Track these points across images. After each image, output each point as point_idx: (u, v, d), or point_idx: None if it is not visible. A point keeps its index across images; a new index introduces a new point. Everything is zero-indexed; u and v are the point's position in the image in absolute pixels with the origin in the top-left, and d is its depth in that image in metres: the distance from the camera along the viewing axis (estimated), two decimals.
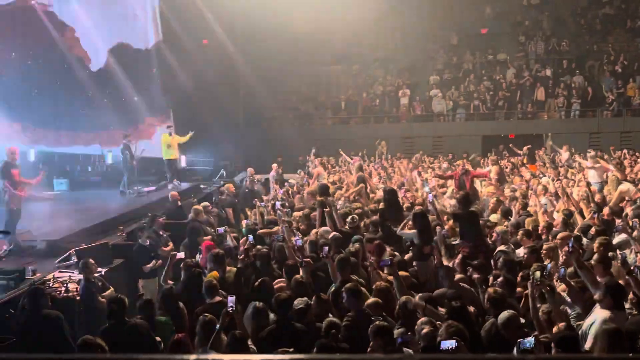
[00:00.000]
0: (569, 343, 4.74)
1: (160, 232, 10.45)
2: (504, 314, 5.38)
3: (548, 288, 5.73)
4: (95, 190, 17.63)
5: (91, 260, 8.13)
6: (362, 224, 9.51)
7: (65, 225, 11.78)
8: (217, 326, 5.46)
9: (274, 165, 18.72)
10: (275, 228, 9.44)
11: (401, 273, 6.72)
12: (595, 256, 6.68)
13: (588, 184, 12.01)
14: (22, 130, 18.61)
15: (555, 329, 5.33)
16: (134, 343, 5.80)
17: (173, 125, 18.52)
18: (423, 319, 5.40)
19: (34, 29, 18.75)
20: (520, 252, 8.00)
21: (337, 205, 10.21)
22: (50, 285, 8.31)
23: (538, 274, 5.67)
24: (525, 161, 17.91)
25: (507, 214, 10.24)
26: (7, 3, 18.42)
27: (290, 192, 14.09)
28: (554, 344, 4.73)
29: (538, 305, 5.62)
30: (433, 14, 30.72)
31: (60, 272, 9.03)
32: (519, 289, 6.62)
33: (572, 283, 6.11)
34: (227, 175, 19.82)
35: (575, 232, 8.60)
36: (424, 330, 5.13)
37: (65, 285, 8.27)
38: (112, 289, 8.21)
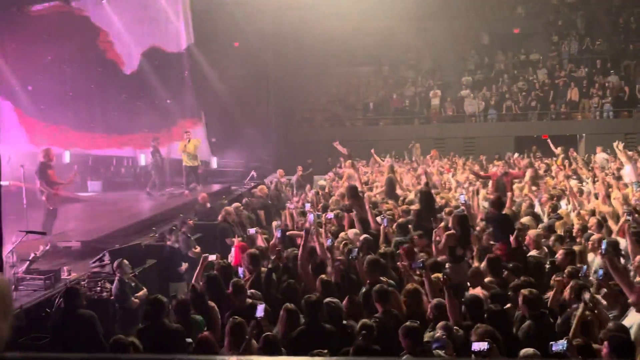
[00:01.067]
0: (625, 347, 4.63)
1: (189, 235, 10.53)
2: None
3: (596, 311, 5.58)
4: (128, 192, 17.88)
5: (125, 261, 8.23)
6: (393, 226, 9.46)
7: (100, 226, 11.97)
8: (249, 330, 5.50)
9: (299, 168, 18.82)
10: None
11: (434, 275, 6.68)
12: (638, 259, 6.57)
13: (625, 185, 11.78)
14: (58, 132, 18.97)
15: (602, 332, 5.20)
16: (169, 346, 5.84)
17: (190, 132, 17.67)
18: (440, 323, 5.36)
19: (69, 33, 19.10)
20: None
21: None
22: (85, 285, 8.45)
23: (588, 295, 5.48)
24: (559, 162, 17.62)
25: (536, 217, 10.11)
26: (43, 8, 18.81)
27: (320, 193, 14.09)
28: (609, 346, 4.61)
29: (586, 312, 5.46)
30: (464, 15, 30.51)
31: (94, 272, 9.17)
32: (550, 293, 6.53)
33: (611, 285, 6.01)
34: (257, 176, 19.92)
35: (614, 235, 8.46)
36: (437, 334, 5.09)
37: (99, 285, 8.40)
38: (145, 289, 8.31)
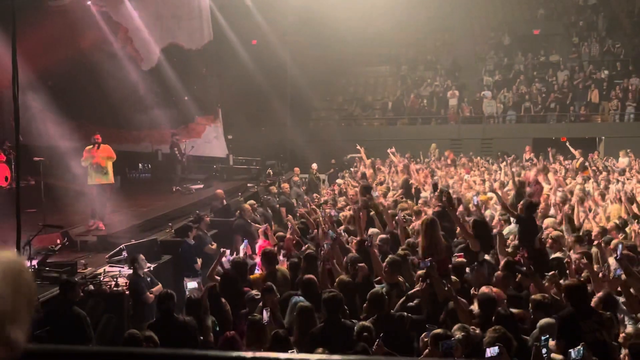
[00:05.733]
0: None
1: (205, 232, 10.56)
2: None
3: None
4: (145, 187, 17.98)
5: (141, 256, 8.28)
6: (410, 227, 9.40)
7: (116, 221, 12.03)
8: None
9: (314, 166, 18.81)
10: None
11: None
12: None
13: None
14: (77, 128, 19.11)
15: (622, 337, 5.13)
16: (180, 340, 5.86)
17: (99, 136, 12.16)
18: (457, 325, 5.29)
19: (89, 29, 19.26)
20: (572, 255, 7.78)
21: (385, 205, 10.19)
22: (101, 279, 8.51)
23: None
24: (577, 165, 17.44)
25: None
26: (63, 3, 18.96)
27: (337, 192, 14.06)
28: (629, 352, 4.55)
29: None
30: (483, 15, 30.34)
31: (110, 266, 9.24)
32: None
33: (632, 291, 5.92)
34: (273, 174, 19.95)
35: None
36: (457, 336, 5.03)
37: (115, 279, 8.45)
38: (160, 284, 8.34)
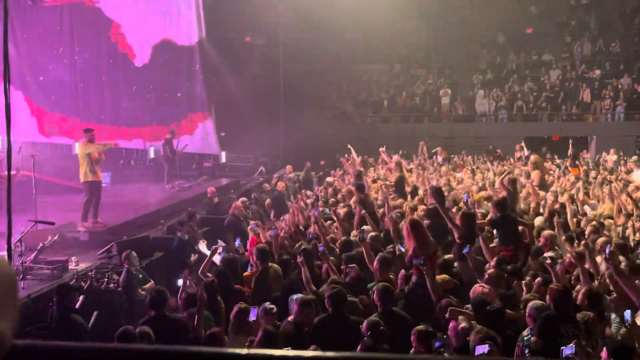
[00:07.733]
0: (623, 351, 4.59)
1: (195, 228, 10.54)
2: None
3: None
4: (137, 184, 17.91)
5: (134, 253, 8.26)
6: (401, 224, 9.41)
7: (108, 217, 11.99)
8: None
9: (308, 163, 18.78)
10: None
11: (443, 276, 6.63)
12: None
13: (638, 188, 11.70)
14: (67, 123, 19.06)
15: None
16: (173, 337, 5.85)
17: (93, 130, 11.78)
18: (461, 317, 5.31)
19: (81, 25, 19.20)
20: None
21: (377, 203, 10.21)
22: (92, 275, 8.48)
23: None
24: (568, 164, 17.50)
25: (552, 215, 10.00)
26: None
27: (329, 191, 14.06)
28: (608, 352, 4.56)
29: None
30: (476, 14, 30.37)
31: (102, 263, 9.20)
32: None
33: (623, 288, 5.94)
34: (266, 171, 19.93)
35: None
36: (461, 325, 5.04)
37: (107, 276, 8.42)
38: (152, 281, 8.33)
